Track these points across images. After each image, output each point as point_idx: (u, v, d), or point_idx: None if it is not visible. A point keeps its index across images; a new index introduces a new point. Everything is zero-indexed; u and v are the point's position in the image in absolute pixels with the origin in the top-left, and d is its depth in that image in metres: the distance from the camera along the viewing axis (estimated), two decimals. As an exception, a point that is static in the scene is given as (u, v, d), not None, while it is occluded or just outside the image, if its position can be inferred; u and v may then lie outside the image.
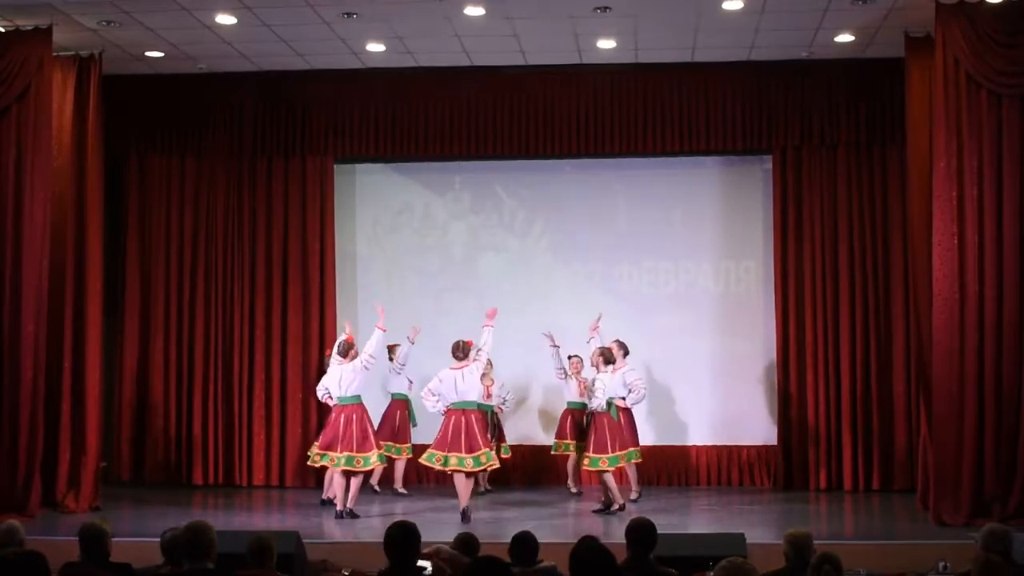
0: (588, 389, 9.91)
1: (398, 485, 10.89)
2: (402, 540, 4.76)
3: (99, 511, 9.75)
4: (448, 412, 9.45)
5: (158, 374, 11.65)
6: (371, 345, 9.69)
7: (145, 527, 8.80)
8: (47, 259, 9.66)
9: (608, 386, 9.78)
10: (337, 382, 9.70)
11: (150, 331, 11.70)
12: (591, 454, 9.75)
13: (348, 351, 9.77)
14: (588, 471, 10.10)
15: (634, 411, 11.38)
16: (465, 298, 11.96)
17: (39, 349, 9.59)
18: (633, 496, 10.33)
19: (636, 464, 10.47)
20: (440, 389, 9.46)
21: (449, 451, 9.32)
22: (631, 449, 10.13)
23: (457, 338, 9.66)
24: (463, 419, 9.36)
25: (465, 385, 9.38)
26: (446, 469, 9.39)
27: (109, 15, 9.54)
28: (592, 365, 10.00)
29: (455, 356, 9.49)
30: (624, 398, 10.15)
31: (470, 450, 9.30)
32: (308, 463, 10.26)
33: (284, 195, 11.77)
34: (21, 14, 9.49)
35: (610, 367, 9.91)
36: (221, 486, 11.49)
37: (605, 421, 9.77)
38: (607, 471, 9.70)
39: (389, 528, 4.82)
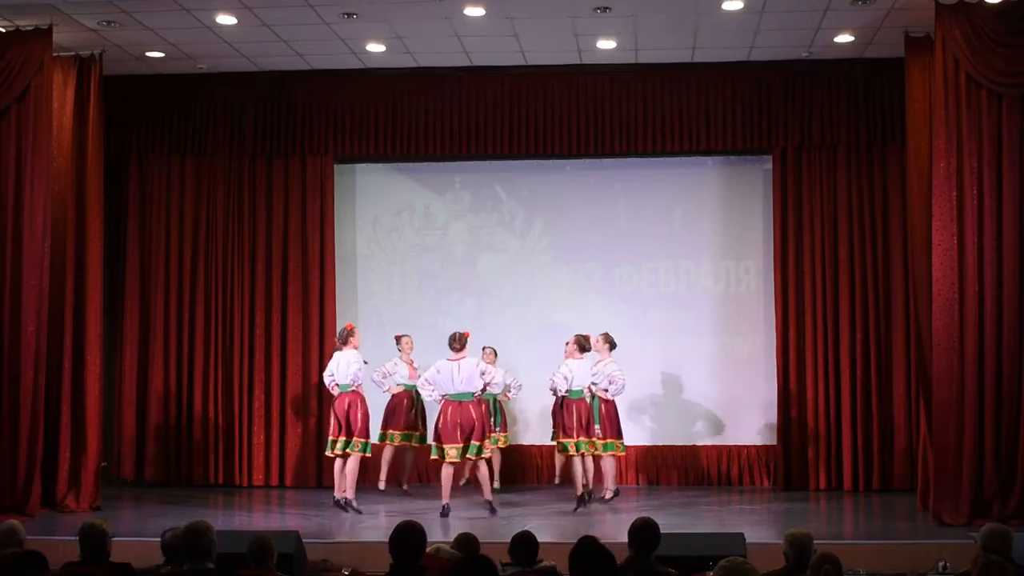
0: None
1: (380, 477, 10.82)
2: (407, 539, 4.76)
3: (99, 511, 9.75)
4: (444, 403, 9.54)
5: (158, 374, 11.64)
6: (356, 372, 9.81)
7: (145, 527, 8.81)
8: (47, 259, 9.66)
9: (575, 374, 9.78)
10: (336, 369, 9.90)
11: (150, 331, 11.70)
12: (560, 439, 9.90)
13: (348, 339, 9.92)
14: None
15: (636, 410, 11.44)
16: (465, 298, 11.99)
17: (39, 349, 9.59)
18: (607, 495, 10.27)
19: (616, 458, 10.44)
20: (437, 379, 9.54)
21: (446, 442, 9.44)
22: (608, 440, 10.10)
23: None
24: (458, 410, 9.43)
25: (461, 376, 9.45)
26: (444, 460, 9.50)
27: (109, 15, 9.55)
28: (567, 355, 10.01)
29: (451, 347, 9.58)
30: (606, 390, 10.12)
31: (464, 440, 9.40)
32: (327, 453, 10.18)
33: (284, 195, 11.77)
34: (21, 14, 9.49)
35: (585, 355, 9.89)
36: (221, 486, 11.49)
37: (573, 407, 9.79)
38: (572, 455, 9.77)
39: (395, 527, 4.82)
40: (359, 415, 9.79)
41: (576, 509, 9.69)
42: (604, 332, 10.28)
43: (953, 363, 8.98)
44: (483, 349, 10.70)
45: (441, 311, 11.90)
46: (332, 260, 11.75)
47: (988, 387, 8.95)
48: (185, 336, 11.69)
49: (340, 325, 11.46)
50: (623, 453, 10.59)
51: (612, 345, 10.29)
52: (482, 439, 9.49)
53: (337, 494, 9.85)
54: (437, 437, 9.55)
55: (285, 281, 11.72)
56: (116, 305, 11.66)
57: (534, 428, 11.75)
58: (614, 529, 8.40)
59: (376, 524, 9.38)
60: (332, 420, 9.90)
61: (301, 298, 11.67)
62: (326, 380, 10.16)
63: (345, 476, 9.84)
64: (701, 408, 11.70)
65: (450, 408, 9.49)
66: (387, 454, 10.90)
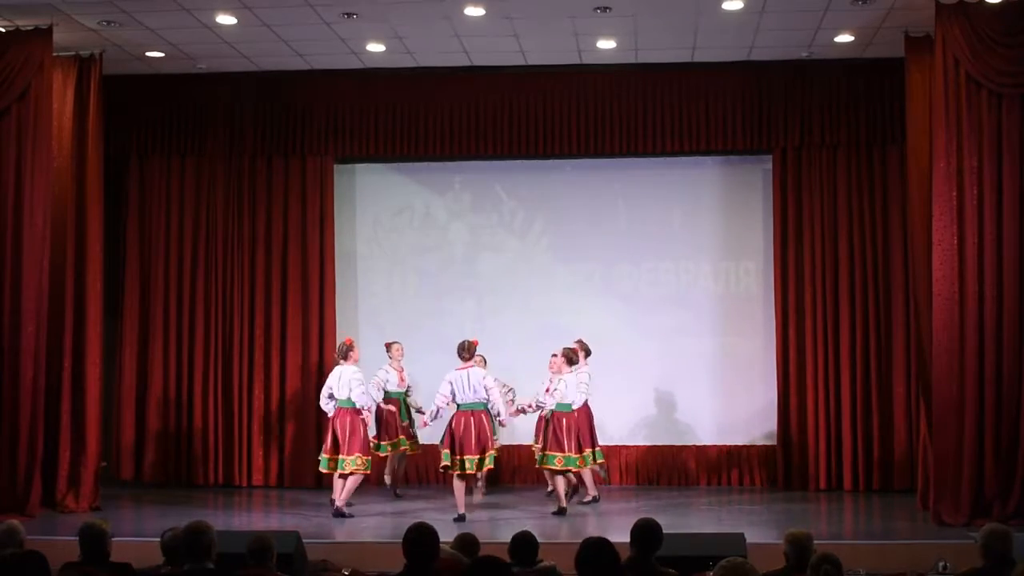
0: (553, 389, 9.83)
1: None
2: (420, 541, 4.76)
3: (99, 511, 9.74)
4: (457, 414, 9.48)
5: (158, 374, 11.64)
6: (363, 395, 9.66)
7: (145, 527, 8.83)
8: (47, 259, 9.66)
9: (571, 387, 9.74)
10: (336, 384, 9.72)
11: (150, 331, 11.69)
12: (547, 452, 9.74)
13: (347, 353, 9.78)
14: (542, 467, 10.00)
15: (636, 411, 11.44)
16: (465, 298, 11.98)
17: (39, 349, 9.60)
18: (587, 499, 10.23)
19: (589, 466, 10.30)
20: (449, 392, 9.49)
21: (460, 454, 9.33)
22: (589, 450, 10.06)
23: (456, 338, 9.67)
24: (471, 420, 9.38)
25: (472, 385, 9.41)
26: (459, 472, 9.39)
27: (109, 15, 9.55)
28: (556, 368, 9.96)
29: (460, 356, 9.51)
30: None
31: (481, 451, 9.36)
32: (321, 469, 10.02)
33: (284, 195, 11.77)
34: (21, 14, 9.49)
35: (574, 368, 9.86)
36: (221, 486, 11.48)
37: (564, 420, 9.72)
38: (559, 471, 9.70)
39: (408, 529, 4.83)
40: (360, 432, 9.62)
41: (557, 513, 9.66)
42: (579, 339, 10.18)
43: (953, 363, 8.98)
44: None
45: (441, 311, 11.89)
46: (332, 260, 11.74)
47: (988, 387, 8.95)
48: (185, 336, 11.68)
49: (340, 326, 11.55)
50: (602, 460, 10.48)
51: (587, 352, 10.23)
52: (489, 451, 9.45)
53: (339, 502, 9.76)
54: (452, 448, 9.39)
55: (285, 281, 11.71)
56: (116, 305, 11.65)
57: (529, 429, 11.72)
58: (609, 529, 8.39)
59: (375, 525, 9.38)
60: (329, 436, 9.70)
61: (301, 298, 11.67)
62: (323, 398, 9.90)
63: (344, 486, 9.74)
64: (701, 408, 11.68)
65: (463, 419, 9.41)
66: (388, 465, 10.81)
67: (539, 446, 10.03)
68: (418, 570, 4.73)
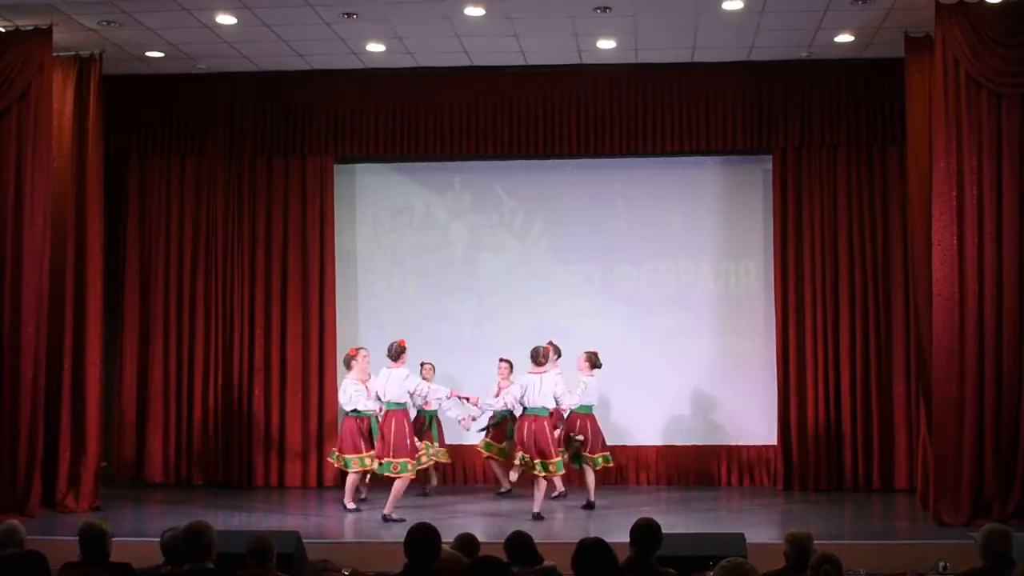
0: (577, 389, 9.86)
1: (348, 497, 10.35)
2: (423, 541, 4.76)
3: (99, 511, 9.74)
4: (522, 418, 9.52)
5: (158, 374, 11.64)
6: (425, 388, 9.57)
7: (145, 527, 8.83)
8: (47, 259, 9.66)
9: (591, 389, 9.91)
10: (384, 386, 9.54)
11: (150, 331, 11.69)
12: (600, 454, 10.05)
13: (399, 355, 9.50)
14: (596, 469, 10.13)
15: (636, 411, 11.44)
16: (465, 299, 11.98)
17: (39, 349, 9.60)
18: (556, 494, 10.32)
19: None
20: (521, 395, 9.51)
21: (530, 455, 9.37)
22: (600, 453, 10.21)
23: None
24: (534, 426, 9.39)
25: (543, 391, 9.41)
26: (538, 474, 9.45)
27: (109, 15, 9.55)
28: (578, 369, 10.03)
29: (535, 362, 9.50)
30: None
31: (541, 456, 9.35)
32: (348, 469, 9.93)
33: (284, 195, 11.77)
34: (21, 14, 9.49)
35: (596, 371, 9.94)
36: (221, 486, 11.48)
37: (585, 422, 9.97)
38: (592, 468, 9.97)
39: (410, 529, 4.83)
40: (407, 433, 9.44)
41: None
42: (550, 341, 10.05)
43: (953, 363, 8.98)
44: (422, 365, 10.48)
45: (441, 312, 11.89)
46: (332, 260, 11.75)
47: (988, 387, 8.96)
48: (185, 336, 11.67)
49: (340, 325, 11.54)
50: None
51: (559, 354, 10.17)
52: (552, 458, 9.41)
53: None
54: (523, 448, 9.41)
55: (285, 281, 11.71)
56: (116, 305, 11.65)
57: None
58: (608, 529, 8.38)
59: (373, 525, 9.37)
60: (378, 438, 9.53)
61: (301, 298, 11.66)
62: (359, 397, 9.84)
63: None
64: (701, 408, 11.68)
65: (526, 423, 9.44)
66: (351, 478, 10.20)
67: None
68: (418, 570, 4.73)
